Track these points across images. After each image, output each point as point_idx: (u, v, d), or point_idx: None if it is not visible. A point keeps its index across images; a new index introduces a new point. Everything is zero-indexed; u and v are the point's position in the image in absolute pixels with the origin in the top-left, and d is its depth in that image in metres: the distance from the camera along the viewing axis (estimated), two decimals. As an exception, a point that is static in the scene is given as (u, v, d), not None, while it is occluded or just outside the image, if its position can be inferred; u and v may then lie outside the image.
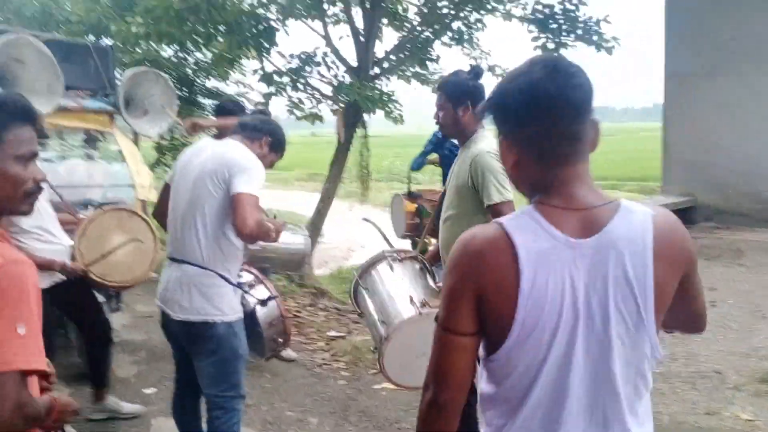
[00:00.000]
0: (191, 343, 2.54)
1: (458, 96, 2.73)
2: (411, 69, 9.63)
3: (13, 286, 1.23)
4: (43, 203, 3.23)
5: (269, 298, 2.62)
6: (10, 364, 1.18)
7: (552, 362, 1.14)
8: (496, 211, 2.61)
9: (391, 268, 2.74)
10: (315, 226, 7.90)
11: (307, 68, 8.23)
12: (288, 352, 4.49)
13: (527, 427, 1.18)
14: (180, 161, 2.73)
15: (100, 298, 3.79)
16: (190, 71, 12.04)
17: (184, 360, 2.64)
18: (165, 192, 2.77)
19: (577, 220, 1.15)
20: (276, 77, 8.27)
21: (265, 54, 8.17)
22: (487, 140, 2.75)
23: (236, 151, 2.55)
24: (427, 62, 9.60)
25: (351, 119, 8.28)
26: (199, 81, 12.56)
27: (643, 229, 1.14)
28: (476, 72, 2.81)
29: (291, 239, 3.80)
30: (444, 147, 5.20)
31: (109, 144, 4.97)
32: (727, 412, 3.61)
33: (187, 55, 11.58)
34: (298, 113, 8.81)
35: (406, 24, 9.03)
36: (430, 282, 2.83)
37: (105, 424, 3.56)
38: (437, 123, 2.89)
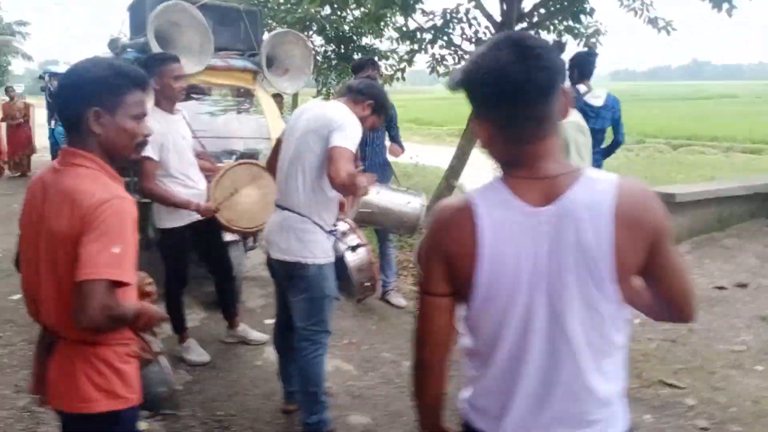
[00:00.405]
0: (286, 281, 2.89)
1: None
2: (564, 23, 9.27)
3: (115, 216, 1.57)
4: (186, 151, 3.74)
5: (358, 246, 2.88)
6: (101, 274, 1.50)
7: (513, 322, 1.25)
8: None
9: None
10: (448, 182, 8.06)
11: (450, 26, 8.29)
12: (398, 299, 4.79)
13: (494, 378, 1.31)
14: (291, 119, 3.05)
15: (236, 237, 4.30)
16: (347, 29, 12.55)
17: (284, 294, 3.01)
18: (277, 146, 3.11)
19: (538, 189, 1.21)
20: (419, 34, 8.45)
21: (410, 12, 8.32)
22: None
23: (337, 111, 2.81)
24: (581, 15, 9.19)
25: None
26: (355, 38, 13.04)
27: (604, 196, 1.18)
28: (560, 47, 2.95)
29: (408, 203, 3.95)
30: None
31: (254, 100, 5.47)
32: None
33: (343, 14, 12.04)
34: (440, 70, 8.94)
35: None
36: None
37: (236, 347, 4.13)
38: None
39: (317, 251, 2.80)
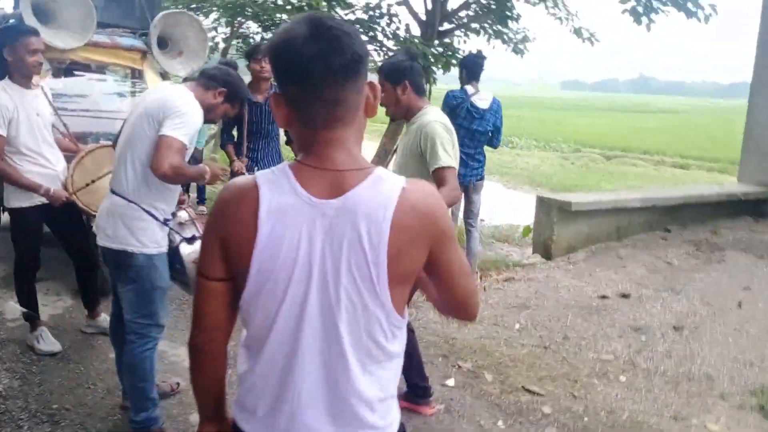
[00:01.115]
0: (114, 270, 2.73)
1: (396, 76, 2.90)
2: (493, 27, 9.31)
3: None
4: (41, 129, 3.51)
5: (194, 237, 2.74)
6: None
7: (285, 315, 1.18)
8: (439, 175, 2.73)
9: None
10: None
11: (374, 21, 8.20)
12: None
13: (264, 374, 1.23)
14: (137, 101, 2.88)
15: None
16: (284, 17, 12.23)
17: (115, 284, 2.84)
18: (121, 128, 2.94)
19: (325, 180, 1.16)
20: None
21: (332, 3, 8.20)
22: (433, 112, 2.92)
23: (178, 97, 2.65)
24: (509, 21, 9.25)
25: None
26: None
27: (387, 198, 1.14)
28: (410, 54, 3.02)
29: None
30: (460, 107, 5.08)
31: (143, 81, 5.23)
32: (696, 419, 3.38)
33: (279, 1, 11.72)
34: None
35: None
36: None
37: (93, 338, 3.93)
38: (381, 104, 3.00)
39: (146, 240, 2.64)
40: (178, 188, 2.79)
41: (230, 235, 1.19)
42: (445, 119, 2.95)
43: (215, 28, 13.14)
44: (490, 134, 5.26)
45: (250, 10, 11.84)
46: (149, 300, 2.71)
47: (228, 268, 1.22)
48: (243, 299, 1.21)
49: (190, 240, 2.74)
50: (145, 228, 2.64)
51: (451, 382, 3.71)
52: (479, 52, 5.44)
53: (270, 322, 1.19)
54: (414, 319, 4.58)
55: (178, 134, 2.51)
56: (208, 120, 2.84)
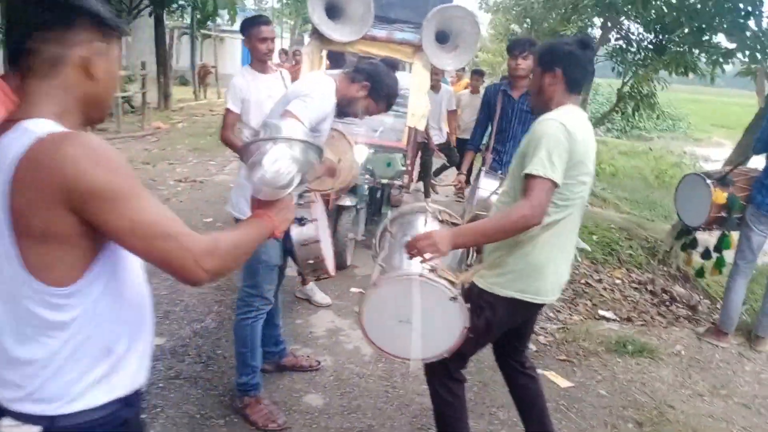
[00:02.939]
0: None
1: (547, 60, 2.31)
2: None
3: None
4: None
5: (304, 219, 2.72)
6: None
7: None
8: (526, 184, 2.13)
9: (425, 222, 2.54)
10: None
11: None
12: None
13: None
14: None
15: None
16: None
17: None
18: None
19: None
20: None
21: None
22: (566, 112, 2.23)
23: (310, 81, 2.72)
24: None
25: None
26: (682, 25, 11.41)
27: (18, 148, 1.09)
28: (582, 41, 2.31)
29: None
30: None
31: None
32: None
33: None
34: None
35: None
36: (459, 257, 2.53)
37: (294, 302, 4.36)
38: (527, 90, 2.47)
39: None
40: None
41: None
42: (575, 123, 2.17)
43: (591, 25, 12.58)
44: None
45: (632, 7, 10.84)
46: (254, 272, 2.85)
47: None
48: None
49: (300, 222, 2.75)
50: (253, 203, 2.76)
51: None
52: None
53: None
54: (626, 370, 3.73)
55: (299, 113, 2.50)
56: (348, 113, 2.83)
